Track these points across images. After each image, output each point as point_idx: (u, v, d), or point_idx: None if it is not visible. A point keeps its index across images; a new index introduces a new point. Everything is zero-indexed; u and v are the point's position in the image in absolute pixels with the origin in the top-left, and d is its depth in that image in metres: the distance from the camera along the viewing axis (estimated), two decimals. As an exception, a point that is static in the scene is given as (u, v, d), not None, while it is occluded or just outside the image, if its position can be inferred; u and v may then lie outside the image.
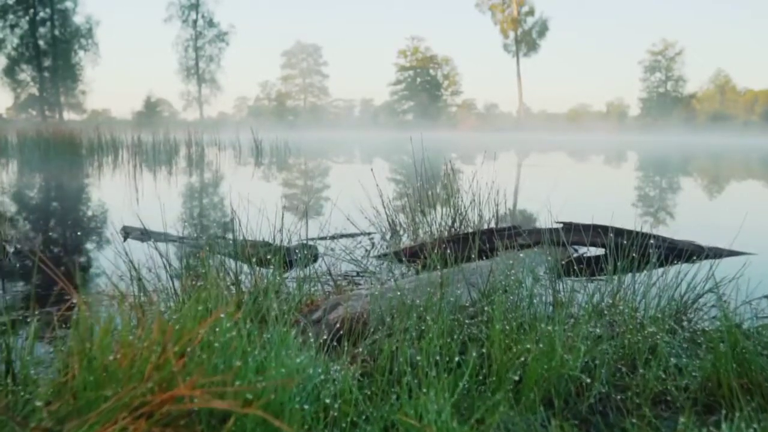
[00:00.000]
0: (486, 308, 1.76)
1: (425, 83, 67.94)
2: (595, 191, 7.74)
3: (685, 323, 1.96)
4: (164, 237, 3.55)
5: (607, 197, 6.97)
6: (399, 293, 1.90)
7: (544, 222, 3.46)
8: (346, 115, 70.12)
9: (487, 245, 2.98)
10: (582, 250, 3.23)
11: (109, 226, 4.19)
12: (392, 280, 2.51)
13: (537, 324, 1.57)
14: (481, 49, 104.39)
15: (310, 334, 1.53)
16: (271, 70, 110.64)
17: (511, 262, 2.22)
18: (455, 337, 1.63)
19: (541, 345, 1.44)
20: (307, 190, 7.41)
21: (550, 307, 2.14)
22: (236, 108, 68.95)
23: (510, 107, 72.66)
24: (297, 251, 2.82)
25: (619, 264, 2.23)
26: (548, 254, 2.84)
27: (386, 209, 3.53)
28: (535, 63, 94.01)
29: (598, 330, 1.54)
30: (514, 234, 2.98)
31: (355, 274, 2.64)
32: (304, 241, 3.40)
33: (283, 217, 2.67)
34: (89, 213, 5.20)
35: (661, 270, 2.19)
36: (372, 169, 3.57)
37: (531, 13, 61.68)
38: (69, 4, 51.56)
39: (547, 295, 2.19)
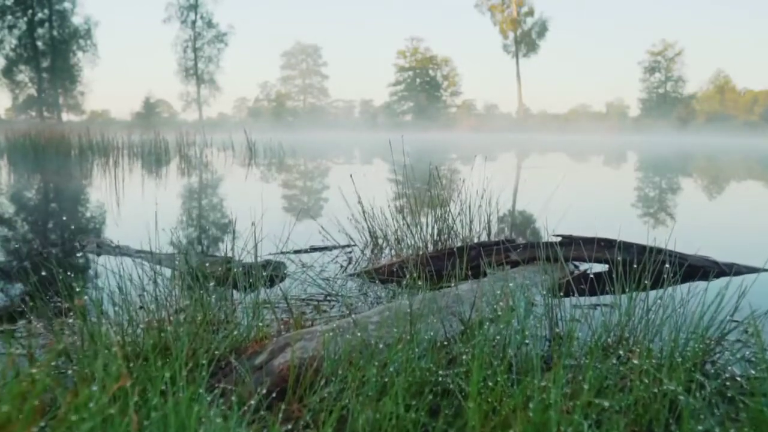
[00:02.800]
0: (465, 356, 1.42)
1: (424, 84, 67.59)
2: (597, 196, 7.40)
3: (708, 366, 1.62)
4: (122, 251, 3.21)
5: (609, 202, 6.63)
6: (361, 333, 1.57)
7: (541, 234, 3.13)
8: (345, 115, 69.75)
9: (475, 262, 2.64)
10: (584, 265, 2.88)
11: (69, 237, 3.85)
12: (361, 308, 2.17)
13: (529, 378, 1.23)
14: (481, 49, 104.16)
15: (234, 395, 1.19)
16: (270, 71, 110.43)
17: (498, 291, 1.88)
18: (425, 394, 1.30)
19: (531, 413, 1.11)
20: (292, 197, 7.09)
21: (547, 344, 1.80)
22: (236, 109, 68.68)
23: (509, 108, 72.41)
24: (254, 270, 2.47)
25: (626, 288, 1.90)
26: (545, 273, 2.50)
27: (367, 219, 3.19)
28: (535, 63, 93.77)
29: (606, 402, 1.20)
30: (504, 249, 2.64)
31: (322, 297, 2.29)
32: (273, 256, 3.06)
33: (232, 229, 2.33)
34: (53, 220, 4.85)
35: (678, 296, 1.84)
36: (351, 175, 3.23)
37: (530, 13, 61.37)
38: (67, 5, 51.33)
39: (542, 327, 1.86)
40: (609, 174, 11.86)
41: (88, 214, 5.19)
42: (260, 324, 1.77)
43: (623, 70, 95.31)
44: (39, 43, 51.02)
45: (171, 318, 1.93)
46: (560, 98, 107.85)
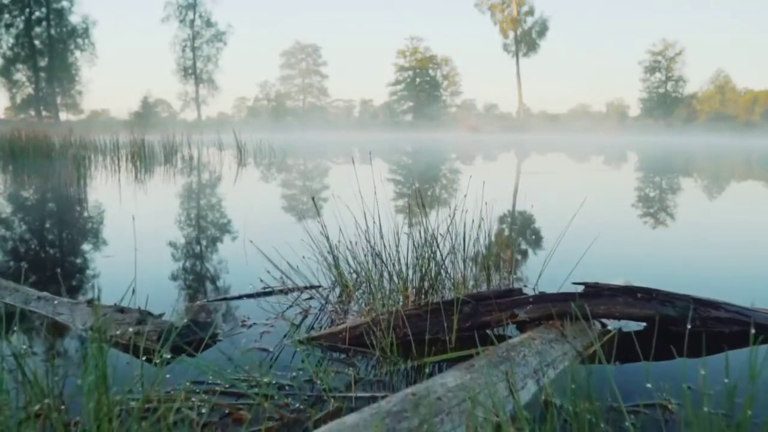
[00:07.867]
0: None
1: (424, 83, 66.88)
2: (605, 208, 6.69)
3: None
4: (21, 295, 2.53)
5: (624, 216, 5.93)
6: None
7: (553, 277, 2.45)
8: (345, 115, 69.00)
9: (468, 323, 1.96)
10: (612, 321, 2.20)
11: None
12: (302, 411, 1.48)
13: None
14: (481, 49, 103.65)
15: None
16: (270, 71, 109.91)
17: (500, 387, 1.20)
18: None
19: None
20: (274, 210, 6.42)
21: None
22: (235, 108, 68.00)
23: (510, 107, 71.74)
24: (166, 332, 1.79)
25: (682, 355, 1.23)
26: (564, 340, 1.82)
27: (333, 254, 2.50)
28: (535, 63, 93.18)
29: None
30: (509, 305, 1.96)
31: (247, 386, 1.60)
32: (201, 307, 2.39)
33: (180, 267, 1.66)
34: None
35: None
36: (313, 198, 2.55)
37: (530, 12, 60.70)
38: (65, 4, 50.86)
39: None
40: (616, 180, 11.16)
41: (23, 236, 4.51)
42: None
43: (623, 70, 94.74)
44: (36, 42, 50.53)
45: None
46: (560, 98, 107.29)
